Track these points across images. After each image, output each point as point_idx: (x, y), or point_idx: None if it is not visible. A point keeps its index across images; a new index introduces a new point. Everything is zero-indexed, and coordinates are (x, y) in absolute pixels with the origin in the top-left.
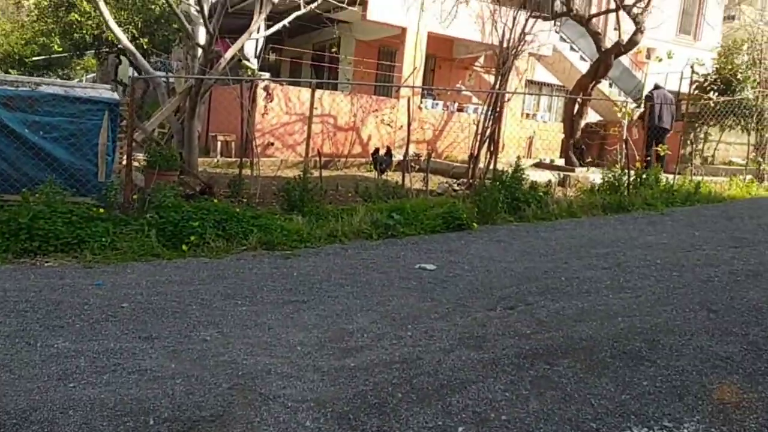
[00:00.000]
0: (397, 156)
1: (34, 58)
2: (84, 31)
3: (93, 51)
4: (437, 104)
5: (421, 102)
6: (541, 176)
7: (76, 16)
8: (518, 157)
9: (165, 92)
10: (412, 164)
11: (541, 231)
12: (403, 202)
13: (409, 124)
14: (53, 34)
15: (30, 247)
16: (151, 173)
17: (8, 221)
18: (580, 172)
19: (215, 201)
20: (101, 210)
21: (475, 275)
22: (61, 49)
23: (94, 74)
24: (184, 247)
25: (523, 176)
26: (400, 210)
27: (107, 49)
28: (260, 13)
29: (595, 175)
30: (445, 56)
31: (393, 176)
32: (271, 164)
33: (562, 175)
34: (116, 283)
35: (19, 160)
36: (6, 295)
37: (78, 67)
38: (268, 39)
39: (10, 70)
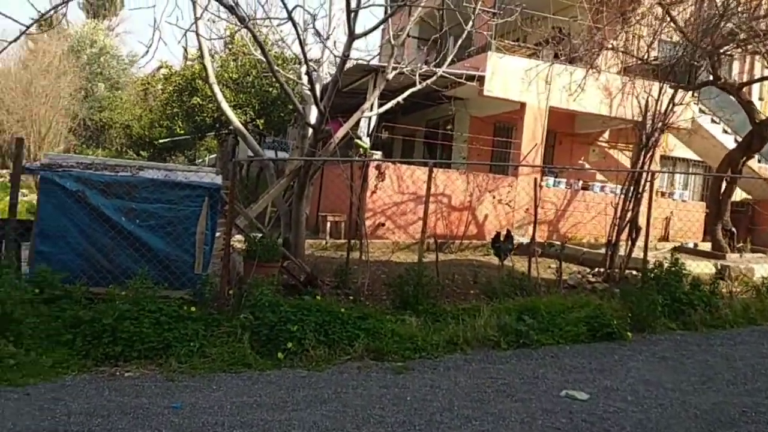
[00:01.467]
0: (517, 238)
1: (162, 140)
2: (205, 114)
3: (213, 132)
4: (559, 182)
5: (542, 180)
6: (692, 265)
7: (198, 100)
8: (657, 240)
9: (273, 173)
10: (536, 248)
11: (717, 344)
12: (535, 301)
13: (536, 206)
14: (177, 118)
15: (112, 352)
16: (251, 264)
17: (92, 322)
18: (734, 259)
19: (318, 298)
20: (192, 308)
21: (644, 413)
22: (183, 132)
23: (216, 155)
24: (280, 354)
25: (683, 270)
26: (532, 311)
27: (226, 131)
28: (374, 90)
29: (758, 266)
30: (566, 131)
31: (517, 263)
32: (381, 246)
33: (719, 265)
34: (197, 405)
35: (113, 250)
36: (69, 420)
37: (201, 148)
38: (381, 117)
39: (141, 152)
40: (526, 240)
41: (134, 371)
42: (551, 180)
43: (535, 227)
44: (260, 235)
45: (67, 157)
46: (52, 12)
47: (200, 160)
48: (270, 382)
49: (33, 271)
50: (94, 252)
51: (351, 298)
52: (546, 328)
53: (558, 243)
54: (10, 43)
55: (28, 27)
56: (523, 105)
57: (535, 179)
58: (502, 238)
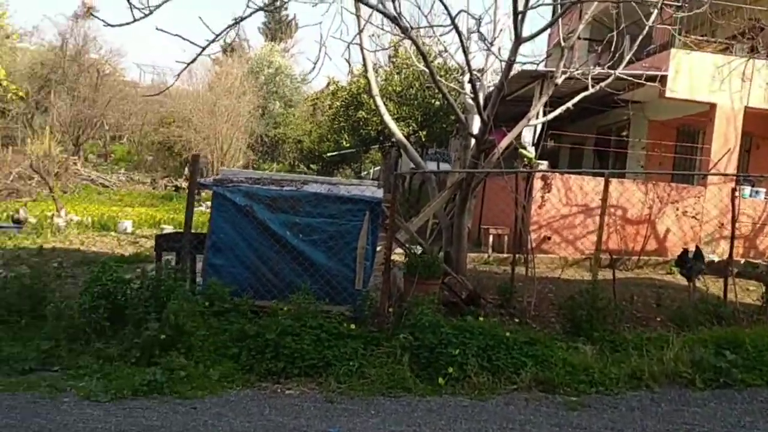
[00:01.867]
0: (707, 256)
1: (330, 154)
2: (369, 127)
3: (377, 145)
4: (757, 192)
5: (737, 189)
6: None
7: (363, 113)
8: None
9: (435, 185)
10: (732, 267)
11: None
12: (737, 333)
13: (734, 220)
14: (343, 131)
15: (275, 368)
16: (411, 280)
17: (256, 336)
18: None
19: (480, 318)
20: (352, 326)
21: None
22: (349, 145)
23: (380, 167)
24: (440, 380)
25: None
26: (733, 344)
27: (389, 143)
28: (541, 97)
29: None
30: (764, 134)
31: (710, 284)
32: (547, 261)
33: None
34: (354, 431)
35: (278, 264)
36: None
37: (366, 161)
38: (547, 125)
39: (311, 165)
40: (716, 258)
41: (295, 389)
42: (747, 190)
43: (732, 244)
44: (421, 249)
45: (238, 172)
46: (225, 32)
47: (365, 173)
48: (430, 410)
49: (205, 283)
50: (260, 265)
51: (516, 319)
52: (752, 365)
53: (761, 262)
54: (188, 64)
55: (203, 48)
56: (713, 106)
57: (733, 189)
58: (690, 255)
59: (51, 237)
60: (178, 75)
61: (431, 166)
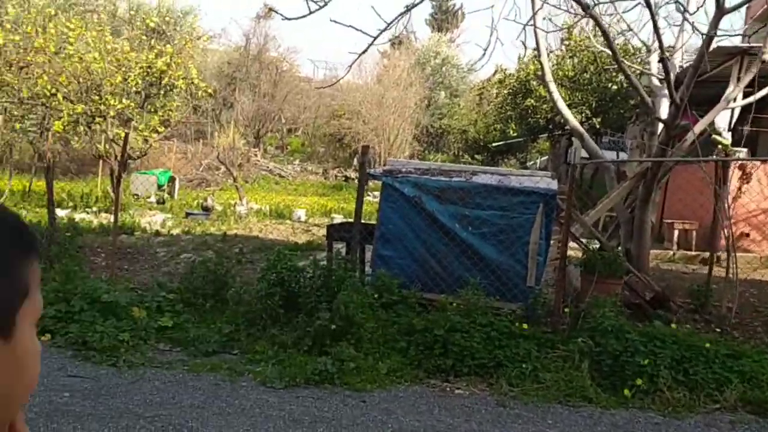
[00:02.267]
0: None
1: (495, 144)
2: (538, 115)
3: (546, 134)
4: None
5: None
6: None
7: (532, 101)
8: None
9: (614, 176)
10: None
11: None
12: None
13: None
14: (510, 120)
15: (443, 365)
16: (589, 279)
17: (424, 331)
18: None
19: (672, 325)
20: (524, 325)
21: None
22: (516, 134)
23: (547, 157)
24: (626, 391)
25: None
26: None
27: (559, 132)
28: (741, 77)
29: None
30: None
31: None
32: (747, 261)
33: None
34: None
35: (446, 257)
36: None
37: (533, 150)
38: (745, 108)
39: (476, 156)
40: None
41: (464, 389)
42: None
43: None
44: (598, 245)
45: (406, 162)
46: (397, 20)
47: (531, 162)
48: (615, 425)
49: (374, 275)
50: (429, 258)
51: (716, 328)
52: None
53: None
54: (361, 53)
55: (375, 37)
56: None
57: None
58: None
59: (234, 224)
60: (351, 64)
61: (606, 155)
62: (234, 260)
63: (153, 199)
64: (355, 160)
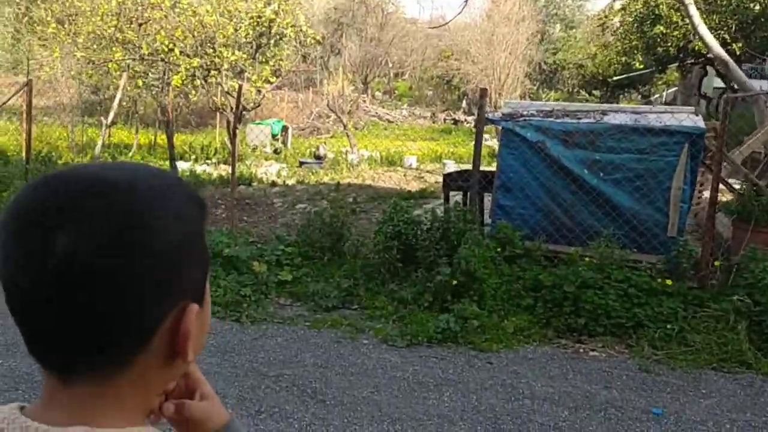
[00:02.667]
0: None
1: (616, 78)
2: (668, 44)
3: (676, 64)
4: None
5: None
6: None
7: (662, 28)
8: None
9: (764, 109)
10: None
11: None
12: None
13: None
14: (636, 51)
15: (574, 324)
16: (743, 228)
17: (553, 287)
18: None
19: None
20: (667, 281)
21: None
22: (642, 66)
23: (675, 89)
24: None
25: None
26: None
27: (692, 61)
28: None
29: None
30: None
31: None
32: None
33: None
34: (683, 415)
35: (574, 206)
36: (533, 406)
37: (659, 83)
38: None
39: (593, 92)
40: None
41: (599, 351)
42: None
43: None
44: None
45: (528, 104)
46: None
47: (656, 96)
48: None
49: (494, 226)
50: (554, 207)
51: None
52: None
53: None
54: None
55: None
56: None
57: None
58: None
59: (346, 172)
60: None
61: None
62: (348, 210)
63: (269, 149)
64: (464, 102)
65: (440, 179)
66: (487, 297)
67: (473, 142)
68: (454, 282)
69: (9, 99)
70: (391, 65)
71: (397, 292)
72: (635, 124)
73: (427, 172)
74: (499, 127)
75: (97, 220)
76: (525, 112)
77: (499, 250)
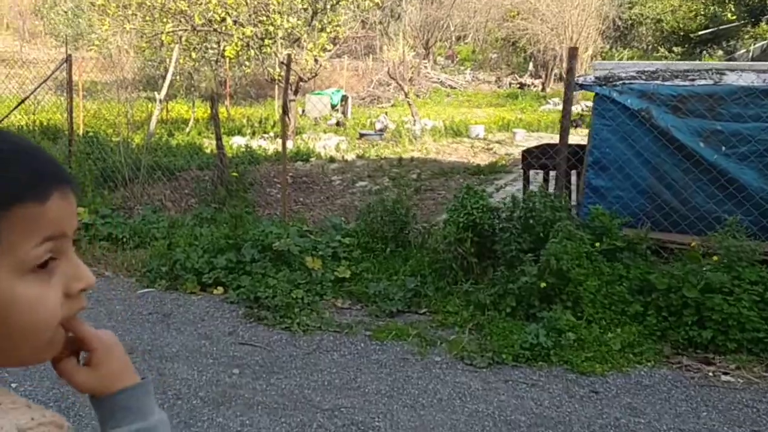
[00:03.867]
0: None
1: (699, 33)
2: None
3: None
4: None
5: None
6: None
7: None
8: None
9: None
10: None
11: None
12: None
13: None
14: (726, 1)
15: (698, 339)
16: None
17: (667, 291)
18: None
19: None
20: None
21: None
22: (735, 17)
23: (764, 42)
24: None
25: None
26: None
27: None
28: None
29: None
30: None
31: None
32: None
33: None
34: None
35: (687, 187)
36: None
37: (746, 36)
38: None
39: (672, 48)
40: None
41: (734, 374)
42: None
43: None
44: None
45: (628, 65)
46: None
47: (742, 51)
48: None
49: (585, 211)
50: (661, 189)
51: None
52: None
53: None
54: None
55: None
56: None
57: None
58: None
59: (408, 145)
60: None
61: None
62: (412, 188)
63: (333, 120)
64: (530, 65)
65: (510, 150)
66: (584, 303)
67: (543, 107)
68: (543, 284)
69: (52, 74)
70: (452, 28)
71: (473, 294)
72: (766, 84)
73: (496, 142)
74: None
75: None
76: (624, 74)
77: (597, 244)
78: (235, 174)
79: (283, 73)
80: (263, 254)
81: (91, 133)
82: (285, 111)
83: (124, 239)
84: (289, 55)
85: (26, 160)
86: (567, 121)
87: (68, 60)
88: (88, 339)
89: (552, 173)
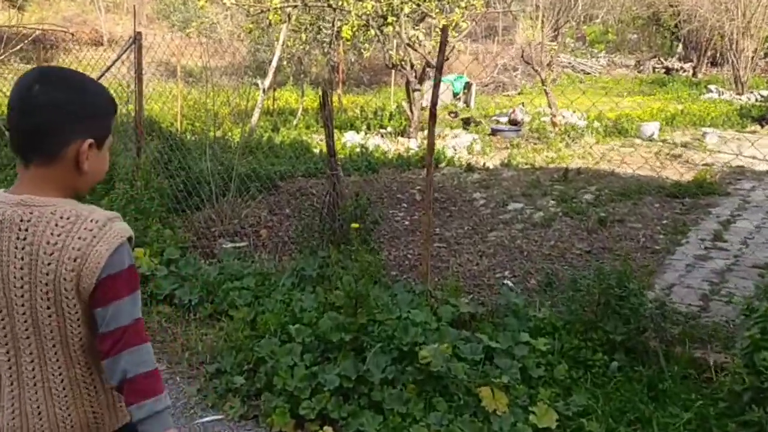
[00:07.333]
0: None
1: None
2: None
3: None
4: None
5: None
6: None
7: None
8: None
9: None
10: None
11: None
12: None
13: None
14: None
15: None
16: None
17: None
18: None
19: None
20: None
21: None
22: None
23: None
24: None
25: None
26: None
27: None
28: None
29: None
30: None
31: None
32: None
33: None
34: None
35: None
36: None
37: None
38: None
39: None
40: None
41: None
42: None
43: None
44: None
45: None
46: None
47: None
48: None
49: None
50: None
51: None
52: None
53: None
54: None
55: None
56: None
57: None
58: None
59: (564, 148)
60: None
61: None
62: (595, 219)
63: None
64: (680, 46)
65: (706, 158)
66: None
67: (704, 95)
68: None
69: (118, 58)
70: (581, 6)
71: None
72: None
73: (682, 146)
74: None
75: (56, 80)
76: None
77: None
78: (355, 226)
79: (407, 58)
80: (399, 365)
81: (187, 130)
82: (409, 98)
83: (191, 304)
84: (445, 26)
85: (104, 88)
86: None
87: (137, 40)
88: None
89: None
